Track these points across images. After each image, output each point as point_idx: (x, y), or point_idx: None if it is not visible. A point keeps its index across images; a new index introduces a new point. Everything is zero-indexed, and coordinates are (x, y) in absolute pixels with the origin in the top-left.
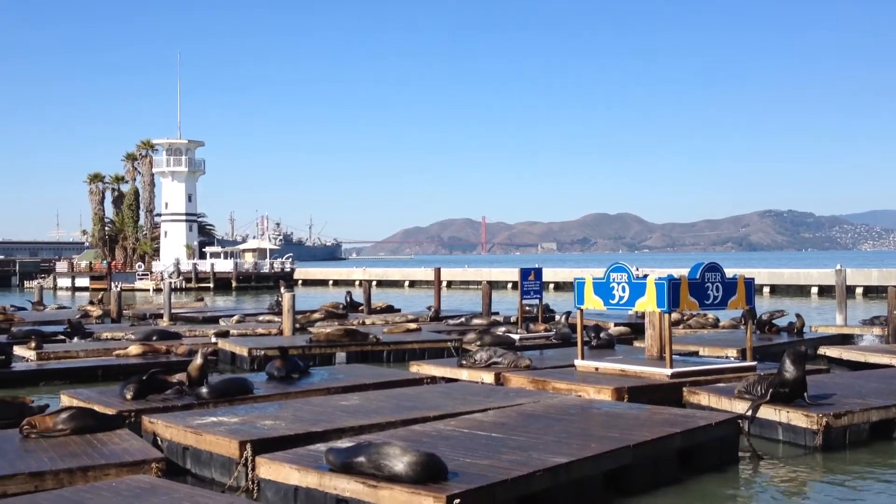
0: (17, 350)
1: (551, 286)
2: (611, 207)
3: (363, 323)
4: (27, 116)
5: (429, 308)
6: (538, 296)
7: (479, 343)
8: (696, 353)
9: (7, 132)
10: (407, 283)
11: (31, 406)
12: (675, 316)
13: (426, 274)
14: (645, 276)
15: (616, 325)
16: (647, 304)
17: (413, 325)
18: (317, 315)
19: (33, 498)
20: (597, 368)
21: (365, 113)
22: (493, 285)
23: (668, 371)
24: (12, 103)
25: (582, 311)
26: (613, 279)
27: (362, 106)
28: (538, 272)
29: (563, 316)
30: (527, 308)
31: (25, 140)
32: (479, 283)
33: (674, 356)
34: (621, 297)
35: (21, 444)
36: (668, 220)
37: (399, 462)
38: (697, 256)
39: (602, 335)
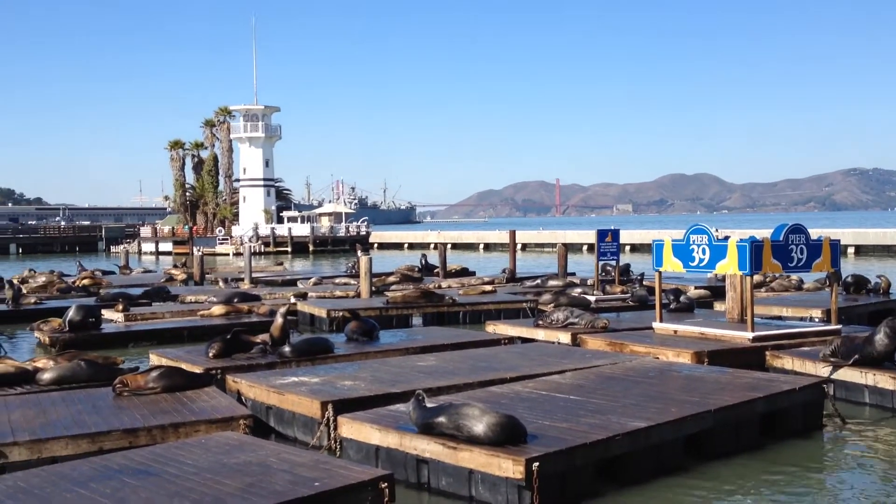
0: (106, 312)
1: (627, 248)
2: (688, 168)
3: (438, 285)
4: (111, 87)
5: (504, 270)
6: (615, 257)
7: (554, 304)
8: (778, 317)
9: (93, 103)
10: (481, 246)
11: (121, 366)
12: (756, 278)
13: (501, 236)
14: (725, 238)
15: (696, 287)
16: (728, 266)
17: (488, 287)
18: (392, 278)
19: (127, 454)
20: (675, 331)
21: (440, 76)
22: (569, 247)
23: (750, 334)
24: (98, 74)
25: (660, 273)
26: (693, 241)
27: (437, 69)
28: (615, 233)
29: (640, 278)
30: (609, 268)
31: (110, 110)
32: (553, 245)
33: (756, 319)
34: (701, 260)
35: (114, 402)
36: (748, 179)
37: (479, 423)
38: (779, 217)
39: (681, 298)
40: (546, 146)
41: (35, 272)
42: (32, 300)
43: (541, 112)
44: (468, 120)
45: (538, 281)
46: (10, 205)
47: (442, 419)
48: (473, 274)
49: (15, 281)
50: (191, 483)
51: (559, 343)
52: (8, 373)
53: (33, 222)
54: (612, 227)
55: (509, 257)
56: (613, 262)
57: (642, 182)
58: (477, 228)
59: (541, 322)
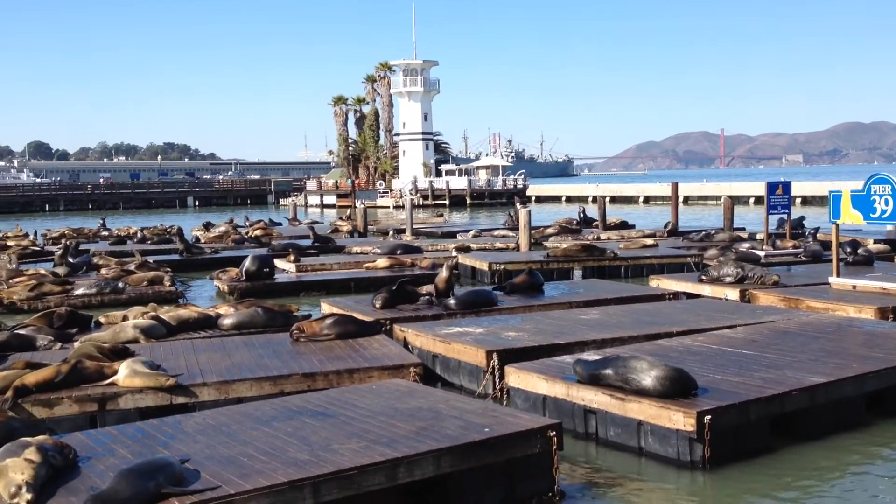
0: (279, 263)
1: (798, 201)
2: (864, 115)
3: (598, 238)
4: (277, 46)
5: (666, 224)
6: (786, 210)
7: (721, 259)
8: None
9: (261, 61)
10: (641, 199)
11: (295, 314)
12: None
13: (661, 189)
14: None
15: (875, 241)
16: None
17: (650, 241)
18: (551, 230)
19: (305, 396)
20: (854, 286)
21: (596, 25)
22: (734, 200)
23: None
24: (265, 34)
25: (837, 225)
26: (875, 191)
27: (593, 18)
28: (786, 185)
29: (814, 232)
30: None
31: (276, 68)
32: (718, 197)
33: None
34: (884, 211)
35: (292, 347)
36: None
37: (647, 376)
38: None
39: (860, 251)
40: (710, 95)
41: (213, 223)
42: (207, 250)
43: (704, 59)
44: (627, 70)
45: (703, 235)
46: (186, 160)
47: (609, 371)
48: (633, 227)
49: (194, 232)
50: (366, 425)
51: (726, 299)
52: (192, 318)
53: (208, 176)
54: (783, 179)
55: (671, 210)
56: (784, 216)
57: (813, 131)
58: (636, 181)
59: (706, 277)
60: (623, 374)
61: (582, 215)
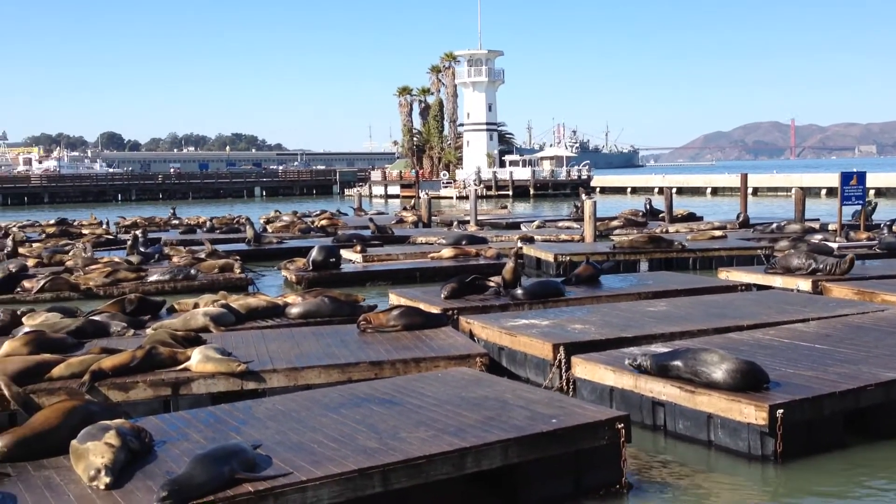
0: (345, 253)
1: (872, 192)
2: None
3: (665, 230)
4: (343, 37)
5: (738, 216)
6: (860, 202)
7: (793, 250)
8: None
9: (326, 52)
10: (709, 190)
11: (361, 304)
12: None
13: (730, 180)
14: None
15: None
16: None
17: (718, 233)
18: (616, 222)
19: (372, 384)
20: None
21: (664, 11)
22: (806, 191)
23: None
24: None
25: None
26: None
27: (661, 4)
28: (861, 176)
29: (889, 223)
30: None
31: (342, 59)
32: (788, 189)
33: None
34: None
35: (360, 337)
36: None
37: (718, 369)
38: None
39: None
40: (780, 84)
41: (280, 213)
42: (274, 240)
43: (775, 46)
44: (695, 58)
45: (773, 226)
46: (253, 150)
47: (678, 363)
48: (701, 219)
49: (261, 221)
50: (433, 413)
51: (798, 291)
52: (261, 307)
53: (274, 167)
54: (856, 170)
55: (740, 202)
56: (857, 208)
57: (888, 121)
58: (703, 172)
59: (777, 269)
60: (693, 366)
61: (648, 207)
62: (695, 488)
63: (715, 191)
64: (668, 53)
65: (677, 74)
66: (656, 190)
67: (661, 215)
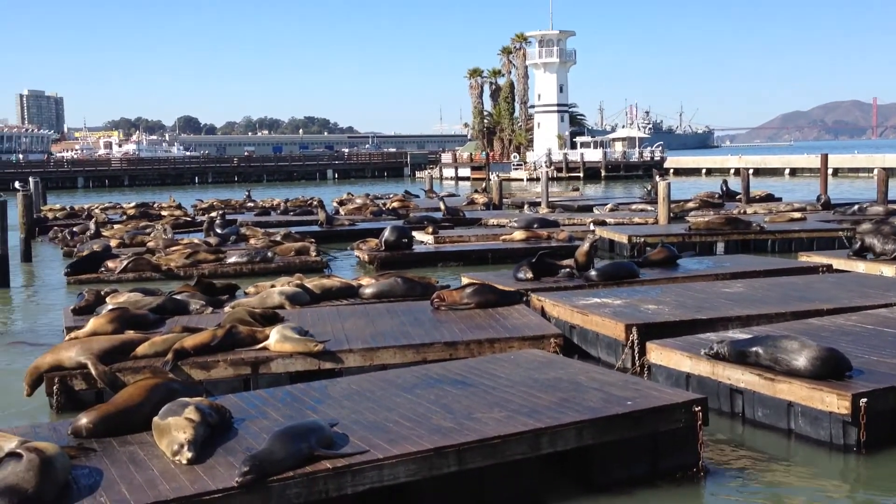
0: (417, 234)
1: None
2: None
3: (742, 212)
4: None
5: (818, 198)
6: None
7: (876, 233)
8: None
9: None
10: (787, 171)
11: (434, 284)
12: None
13: (809, 161)
14: None
15: None
16: None
17: (797, 214)
18: (691, 204)
19: (444, 365)
20: None
21: None
22: (889, 172)
23: None
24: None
25: None
26: None
27: None
28: None
29: None
30: None
31: (412, 42)
32: (870, 170)
33: None
34: None
35: (434, 315)
36: None
37: (799, 356)
38: None
39: None
40: (862, 61)
41: (352, 195)
42: (346, 222)
43: (855, 23)
44: (772, 36)
45: (856, 208)
46: (325, 133)
47: (758, 350)
48: (779, 200)
49: (334, 203)
50: (506, 394)
51: (882, 275)
52: (335, 287)
53: (346, 150)
54: None
55: (820, 183)
56: None
57: None
58: (781, 152)
59: (859, 251)
60: (773, 353)
61: (724, 188)
62: (773, 476)
63: (793, 172)
64: (745, 30)
65: (754, 52)
66: (732, 171)
67: (737, 197)
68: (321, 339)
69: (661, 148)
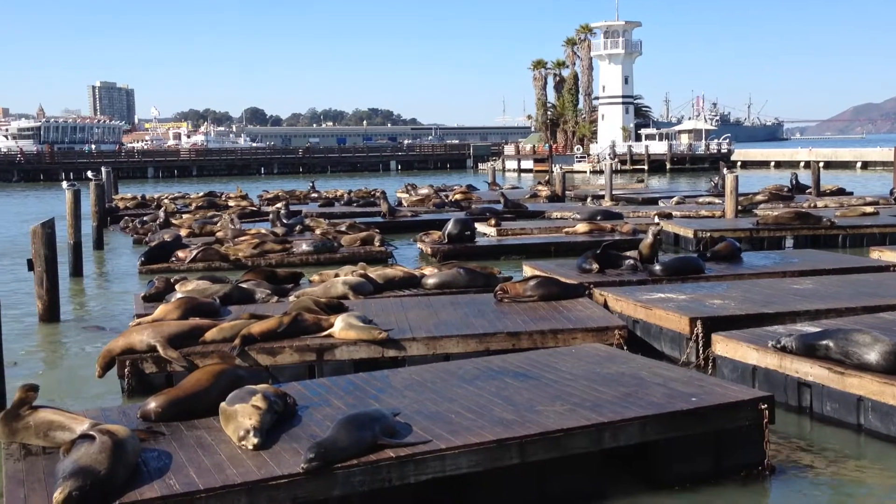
0: (480, 226)
1: None
2: None
3: (812, 206)
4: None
5: (892, 192)
6: None
7: None
8: None
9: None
10: (859, 165)
11: (497, 276)
12: None
13: (882, 154)
14: None
15: None
16: None
17: (870, 209)
18: (759, 197)
19: (505, 357)
20: None
21: None
22: None
23: None
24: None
25: None
26: None
27: None
28: None
29: None
30: None
31: (475, 33)
32: None
33: None
34: None
35: (496, 307)
36: None
37: (871, 350)
38: None
39: None
40: None
41: (415, 186)
42: (408, 213)
43: None
44: (843, 26)
45: None
46: (389, 125)
47: (828, 343)
48: (851, 194)
49: (397, 194)
50: (568, 388)
51: None
52: (398, 277)
53: (409, 141)
54: None
55: (893, 176)
56: None
57: None
58: (853, 145)
59: None
60: (843, 347)
61: (794, 182)
62: (842, 473)
63: (865, 165)
64: (816, 20)
65: (825, 43)
66: (802, 164)
67: (807, 191)
68: (385, 328)
69: (728, 140)
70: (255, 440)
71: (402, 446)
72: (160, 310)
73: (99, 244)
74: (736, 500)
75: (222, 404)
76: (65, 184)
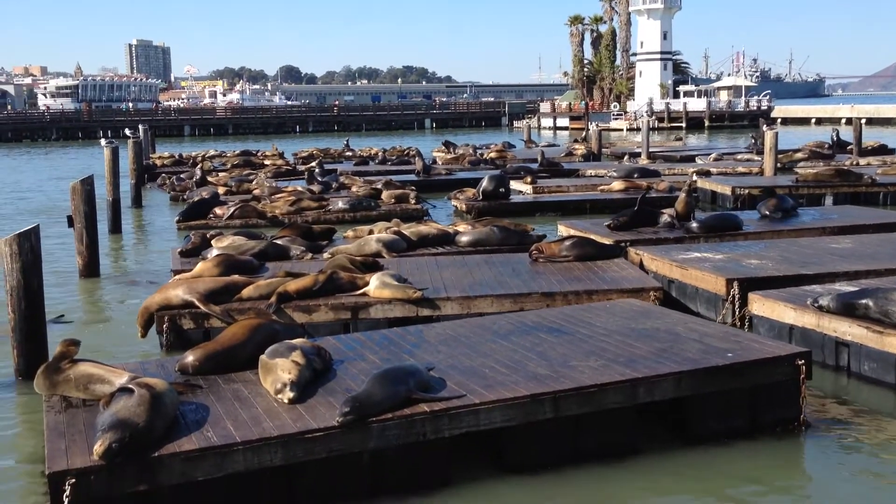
0: (515, 184)
1: None
2: None
3: (854, 163)
4: None
5: None
6: None
7: None
8: None
9: None
10: None
11: (531, 234)
12: None
13: None
14: None
15: None
16: None
17: None
18: (800, 155)
19: (539, 313)
20: None
21: None
22: None
23: None
24: None
25: None
26: None
27: None
28: None
29: None
30: None
31: None
32: None
33: None
34: None
35: (531, 267)
36: None
37: None
38: None
39: None
40: None
41: (454, 145)
42: (443, 171)
43: None
44: None
45: None
46: (423, 83)
47: (868, 302)
48: (893, 152)
49: (432, 153)
50: (603, 343)
51: None
52: (431, 234)
53: (443, 99)
54: None
55: None
56: None
57: None
58: None
59: None
60: (883, 306)
61: (835, 139)
62: (879, 431)
63: None
64: None
65: None
66: (843, 121)
67: (848, 147)
68: (420, 287)
69: (768, 97)
70: (292, 394)
71: (436, 401)
72: (199, 266)
73: (137, 201)
74: (771, 455)
75: (262, 357)
76: (103, 141)
